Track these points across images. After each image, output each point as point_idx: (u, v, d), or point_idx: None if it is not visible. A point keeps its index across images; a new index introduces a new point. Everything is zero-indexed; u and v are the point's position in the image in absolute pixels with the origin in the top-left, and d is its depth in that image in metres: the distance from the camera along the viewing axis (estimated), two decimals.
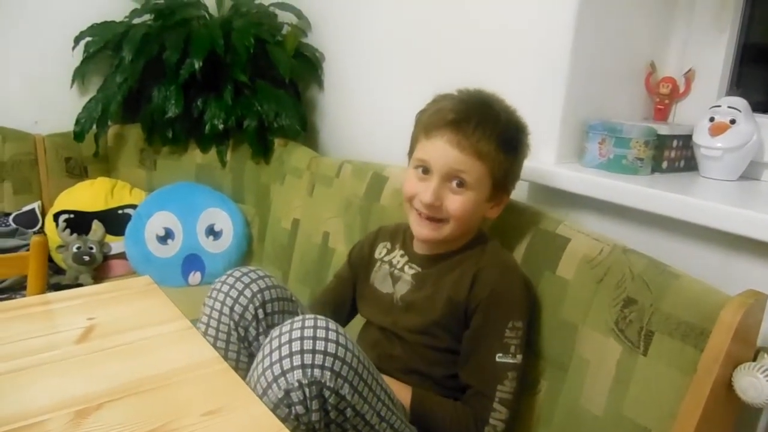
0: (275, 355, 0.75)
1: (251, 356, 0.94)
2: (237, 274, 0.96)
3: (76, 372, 0.68)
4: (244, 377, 0.72)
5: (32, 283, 1.01)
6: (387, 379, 0.94)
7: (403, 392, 0.93)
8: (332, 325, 0.78)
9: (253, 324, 0.94)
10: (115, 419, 0.59)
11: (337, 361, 0.75)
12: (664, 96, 1.25)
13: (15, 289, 1.56)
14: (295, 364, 0.73)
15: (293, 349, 0.74)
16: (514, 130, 0.99)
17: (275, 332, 0.78)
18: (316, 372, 0.74)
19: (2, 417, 0.59)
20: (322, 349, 0.74)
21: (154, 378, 0.67)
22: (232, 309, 0.93)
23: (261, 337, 0.94)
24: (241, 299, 0.94)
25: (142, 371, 0.68)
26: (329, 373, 0.74)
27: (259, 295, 0.95)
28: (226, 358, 0.90)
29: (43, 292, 1.02)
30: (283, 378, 0.74)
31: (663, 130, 1.15)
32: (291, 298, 0.99)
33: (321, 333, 0.76)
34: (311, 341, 0.75)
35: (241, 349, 0.94)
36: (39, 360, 0.70)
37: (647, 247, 0.94)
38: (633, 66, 1.25)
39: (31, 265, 1.00)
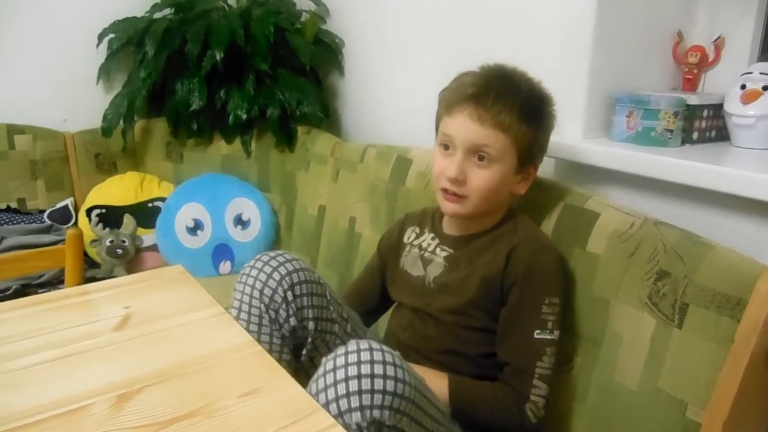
0: (331, 393, 0.72)
1: (283, 338, 0.96)
2: (265, 258, 0.97)
3: (116, 358, 0.70)
4: (277, 359, 0.73)
5: (70, 275, 1.04)
6: (423, 369, 0.94)
7: (440, 381, 0.93)
8: (389, 357, 0.74)
9: (283, 306, 0.95)
10: (156, 402, 0.61)
11: (396, 398, 0.73)
12: (692, 65, 1.22)
13: (53, 283, 1.61)
14: (353, 405, 0.71)
15: (351, 389, 0.71)
16: (536, 100, 0.99)
17: (329, 364, 0.74)
18: (375, 413, 0.72)
19: (49, 402, 0.61)
20: (381, 388, 0.72)
21: (190, 362, 0.69)
22: (261, 292, 0.94)
23: (291, 319, 0.95)
24: (270, 282, 0.95)
25: (179, 356, 0.70)
26: (388, 412, 0.72)
27: (287, 278, 0.96)
28: (259, 341, 0.90)
29: (80, 283, 1.04)
30: (341, 418, 0.72)
31: (692, 100, 1.12)
32: (319, 281, 1.00)
33: (379, 369, 0.72)
34: (369, 380, 0.72)
35: (273, 331, 0.95)
36: (81, 348, 0.72)
37: (679, 219, 0.92)
38: (659, 35, 1.22)
39: (68, 258, 1.03)
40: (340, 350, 0.75)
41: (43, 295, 0.88)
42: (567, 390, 0.98)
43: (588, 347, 0.96)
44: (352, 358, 0.73)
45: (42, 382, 0.65)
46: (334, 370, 0.73)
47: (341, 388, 0.72)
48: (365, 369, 0.72)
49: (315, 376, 0.75)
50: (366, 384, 0.71)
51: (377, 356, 0.73)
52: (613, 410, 0.91)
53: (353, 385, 0.71)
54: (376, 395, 0.71)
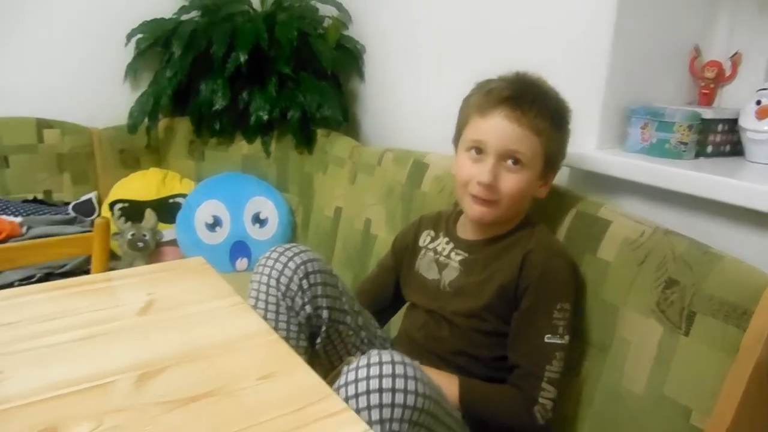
0: (352, 404, 0.73)
1: (300, 325, 0.98)
2: (280, 249, 1.01)
3: (140, 340, 0.73)
4: (294, 346, 0.75)
5: (96, 263, 1.08)
6: (434, 371, 0.95)
7: (450, 383, 0.95)
8: (410, 370, 0.75)
9: (299, 294, 0.98)
10: (177, 382, 0.64)
11: (415, 412, 0.74)
12: (709, 80, 1.23)
13: (75, 273, 1.65)
14: (374, 418, 0.73)
15: (371, 403, 0.73)
16: (563, 107, 1.02)
17: (351, 375, 0.75)
18: (395, 425, 0.73)
19: (77, 377, 0.64)
20: (402, 402, 0.73)
21: (210, 347, 0.71)
22: (278, 281, 0.97)
23: (307, 307, 0.98)
24: (286, 271, 0.98)
25: (200, 341, 0.73)
26: (407, 425, 0.74)
27: (302, 267, 0.98)
28: (276, 328, 0.94)
29: (105, 270, 1.08)
30: None
31: (708, 114, 1.13)
32: (331, 272, 1.03)
33: (400, 384, 0.74)
34: (390, 394, 0.73)
35: (290, 318, 0.98)
36: (106, 329, 0.75)
37: (690, 230, 0.94)
38: (677, 50, 1.23)
39: (95, 246, 1.07)
40: (362, 361, 0.76)
41: (69, 280, 0.91)
42: (573, 394, 1.00)
43: (596, 352, 0.98)
44: (374, 371, 0.74)
45: (70, 359, 0.68)
46: (356, 381, 0.74)
47: (362, 401, 0.73)
48: (386, 383, 0.73)
49: (336, 385, 0.76)
50: (387, 398, 0.73)
51: (399, 370, 0.74)
52: (619, 416, 0.93)
53: (374, 399, 0.73)
54: (396, 409, 0.73)
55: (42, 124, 1.90)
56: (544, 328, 0.94)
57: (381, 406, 0.73)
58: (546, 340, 0.94)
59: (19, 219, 1.66)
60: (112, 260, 1.81)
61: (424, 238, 1.14)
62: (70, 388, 0.62)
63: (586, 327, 1.00)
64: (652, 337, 0.89)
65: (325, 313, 1.00)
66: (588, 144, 1.19)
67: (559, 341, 0.94)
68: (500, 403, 0.95)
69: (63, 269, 1.58)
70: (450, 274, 1.05)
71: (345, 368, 0.77)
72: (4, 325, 0.75)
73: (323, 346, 1.02)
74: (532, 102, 0.95)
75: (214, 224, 1.85)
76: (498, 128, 0.96)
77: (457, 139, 1.06)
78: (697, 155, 1.14)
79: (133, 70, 2.04)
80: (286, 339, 0.95)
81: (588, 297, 1.00)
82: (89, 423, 0.56)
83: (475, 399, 0.95)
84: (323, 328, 1.01)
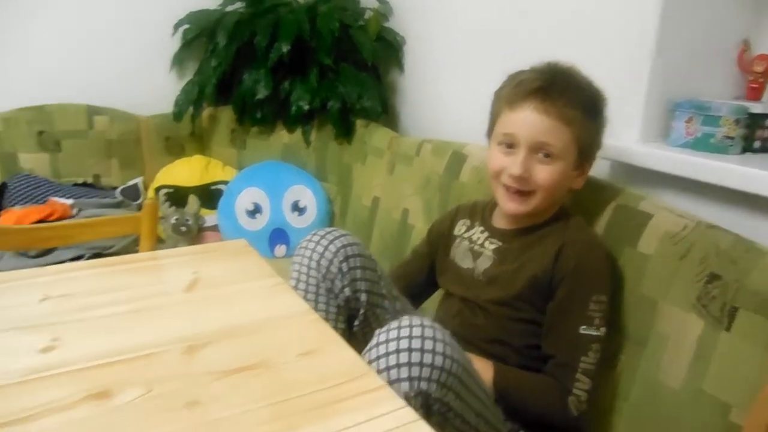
0: (383, 363, 0.75)
1: (338, 308, 1.01)
2: (321, 233, 1.03)
3: (186, 315, 0.76)
4: (332, 327, 0.77)
5: (144, 242, 1.12)
6: (470, 356, 0.96)
7: (485, 369, 0.95)
8: (439, 334, 0.77)
9: (339, 277, 1.00)
10: (221, 354, 0.67)
11: (443, 373, 0.75)
12: (758, 74, 1.20)
13: (122, 255, 1.71)
14: (402, 376, 0.74)
15: (401, 361, 0.74)
16: (596, 96, 1.01)
17: (383, 336, 0.77)
18: (423, 384, 0.75)
19: (125, 347, 0.67)
20: (430, 362, 0.74)
21: (253, 323, 0.74)
22: (318, 263, 1.00)
23: (346, 290, 1.00)
24: (327, 254, 1.00)
25: (243, 317, 0.75)
26: (435, 385, 0.75)
27: (342, 250, 1.01)
28: (316, 309, 0.96)
29: (153, 249, 1.12)
30: (390, 387, 0.73)
31: (756, 108, 1.11)
32: (370, 257, 1.05)
33: (428, 345, 0.75)
34: (419, 353, 0.74)
35: (329, 300, 1.00)
36: (154, 303, 0.78)
37: (733, 226, 0.92)
38: (724, 44, 1.21)
39: (144, 226, 1.11)
40: (394, 324, 0.78)
41: (118, 258, 0.96)
42: (610, 387, 0.99)
43: (633, 346, 0.97)
44: (405, 332, 0.76)
45: (120, 330, 0.72)
46: (387, 342, 0.76)
47: (392, 359, 0.75)
48: (416, 343, 0.75)
49: (368, 347, 0.78)
50: (416, 357, 0.74)
51: (428, 332, 0.76)
52: (655, 409, 0.92)
53: (404, 357, 0.74)
54: (424, 368, 0.74)
55: (92, 111, 1.97)
56: (579, 319, 0.94)
57: (410, 364, 0.74)
58: (581, 331, 0.93)
59: (70, 201, 1.73)
60: (157, 243, 1.87)
61: (460, 227, 1.15)
62: (122, 356, 0.65)
63: (623, 320, 0.99)
64: (691, 332, 0.88)
65: (363, 296, 1.02)
66: (630, 137, 1.18)
67: (594, 333, 0.94)
68: (534, 392, 0.95)
69: (110, 250, 1.64)
70: (484, 263, 1.06)
71: (377, 331, 0.79)
72: (59, 296, 0.80)
73: (361, 329, 1.04)
74: (561, 92, 0.95)
75: (255, 211, 1.89)
76: (527, 121, 0.96)
77: (490, 132, 1.07)
78: (744, 150, 1.12)
79: (179, 60, 2.10)
80: (325, 320, 0.97)
81: (626, 290, 0.99)
82: (139, 388, 0.59)
83: (509, 386, 0.95)
84: (361, 311, 1.03)
